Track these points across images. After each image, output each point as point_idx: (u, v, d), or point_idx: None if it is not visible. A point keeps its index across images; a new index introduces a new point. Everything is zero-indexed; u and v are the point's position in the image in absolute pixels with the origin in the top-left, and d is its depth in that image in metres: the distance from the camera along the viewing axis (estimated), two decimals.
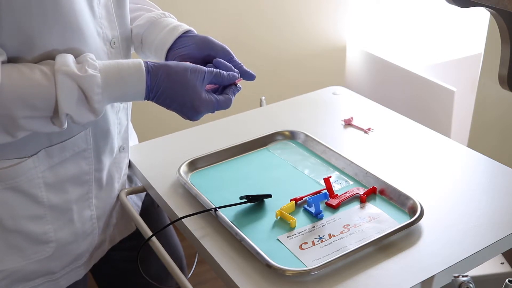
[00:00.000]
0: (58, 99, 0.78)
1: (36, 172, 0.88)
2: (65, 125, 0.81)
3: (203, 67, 0.87)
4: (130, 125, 1.10)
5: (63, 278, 0.99)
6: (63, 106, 0.78)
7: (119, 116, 0.98)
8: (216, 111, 0.89)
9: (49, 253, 0.94)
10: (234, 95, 0.91)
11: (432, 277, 0.78)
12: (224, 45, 0.96)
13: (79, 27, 0.82)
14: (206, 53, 0.94)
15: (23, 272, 0.93)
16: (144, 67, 0.83)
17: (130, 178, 1.11)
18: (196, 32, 0.98)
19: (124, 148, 1.03)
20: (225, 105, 0.89)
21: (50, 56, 0.81)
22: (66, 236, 0.95)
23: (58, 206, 0.92)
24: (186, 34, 0.96)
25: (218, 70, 0.89)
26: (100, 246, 1.05)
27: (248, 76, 0.95)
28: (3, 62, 0.77)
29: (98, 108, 0.81)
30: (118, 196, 1.04)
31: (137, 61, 0.84)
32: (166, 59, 0.96)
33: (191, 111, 0.87)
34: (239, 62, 0.95)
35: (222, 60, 0.92)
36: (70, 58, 0.80)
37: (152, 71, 0.84)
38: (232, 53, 0.95)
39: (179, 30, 0.96)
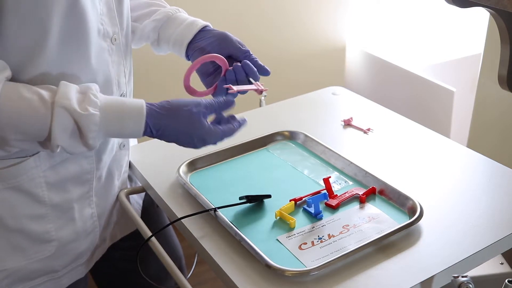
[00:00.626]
0: (52, 130, 0.78)
1: (37, 172, 0.88)
2: (56, 151, 0.81)
3: (203, 101, 0.87)
4: None
5: (65, 276, 0.99)
6: (56, 138, 0.78)
7: None
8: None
9: (51, 252, 0.94)
10: (239, 127, 0.91)
11: (431, 278, 0.78)
12: (240, 41, 0.97)
13: (81, 24, 0.82)
14: (225, 48, 0.96)
15: (25, 271, 0.93)
16: (145, 110, 0.83)
17: (130, 178, 1.11)
18: (212, 26, 1.00)
19: (124, 145, 1.03)
20: (229, 134, 0.90)
21: (53, 64, 0.81)
22: (68, 235, 0.95)
23: (60, 205, 0.92)
24: (204, 29, 0.99)
25: (216, 101, 0.89)
26: (101, 245, 1.05)
27: (263, 71, 0.97)
28: (7, 78, 0.77)
29: (92, 144, 0.82)
30: (118, 195, 1.04)
31: (139, 103, 0.83)
32: (187, 52, 0.98)
33: (198, 143, 0.87)
34: (254, 57, 0.97)
35: (242, 72, 0.93)
36: (73, 90, 0.80)
37: (154, 114, 0.84)
38: (247, 49, 0.97)
39: (198, 25, 0.99)
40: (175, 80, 2.05)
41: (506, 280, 0.76)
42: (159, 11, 1.01)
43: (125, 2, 0.94)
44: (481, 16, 1.88)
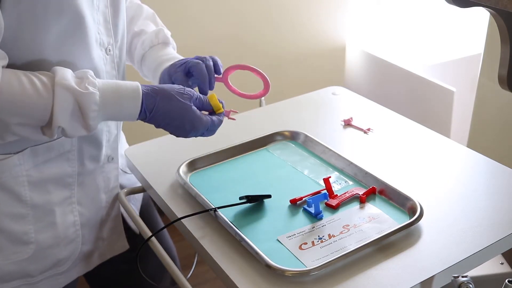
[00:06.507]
0: (53, 111, 0.78)
1: (20, 170, 0.88)
2: (55, 136, 0.82)
3: (193, 91, 0.90)
4: (122, 136, 1.09)
5: (41, 283, 0.98)
6: (57, 119, 0.79)
7: (108, 124, 0.98)
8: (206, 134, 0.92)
9: (28, 254, 0.93)
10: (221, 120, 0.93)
11: (431, 278, 0.78)
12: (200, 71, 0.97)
13: (80, 30, 0.83)
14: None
15: (0, 272, 0.92)
16: (141, 90, 0.85)
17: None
18: (177, 55, 1.04)
19: (113, 158, 1.02)
20: (218, 124, 0.91)
21: (49, 59, 0.81)
22: (47, 239, 0.94)
23: (41, 207, 0.92)
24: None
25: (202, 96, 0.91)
26: (86, 258, 1.04)
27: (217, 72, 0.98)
28: (3, 67, 0.77)
29: (92, 125, 0.82)
30: (117, 197, 1.04)
31: (135, 84, 0.86)
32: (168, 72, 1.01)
33: (188, 129, 0.88)
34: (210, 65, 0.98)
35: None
36: (68, 72, 0.81)
37: (149, 94, 0.85)
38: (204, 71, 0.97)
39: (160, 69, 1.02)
40: None
41: (506, 280, 0.76)
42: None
43: (121, 17, 0.96)
44: (481, 16, 1.88)
